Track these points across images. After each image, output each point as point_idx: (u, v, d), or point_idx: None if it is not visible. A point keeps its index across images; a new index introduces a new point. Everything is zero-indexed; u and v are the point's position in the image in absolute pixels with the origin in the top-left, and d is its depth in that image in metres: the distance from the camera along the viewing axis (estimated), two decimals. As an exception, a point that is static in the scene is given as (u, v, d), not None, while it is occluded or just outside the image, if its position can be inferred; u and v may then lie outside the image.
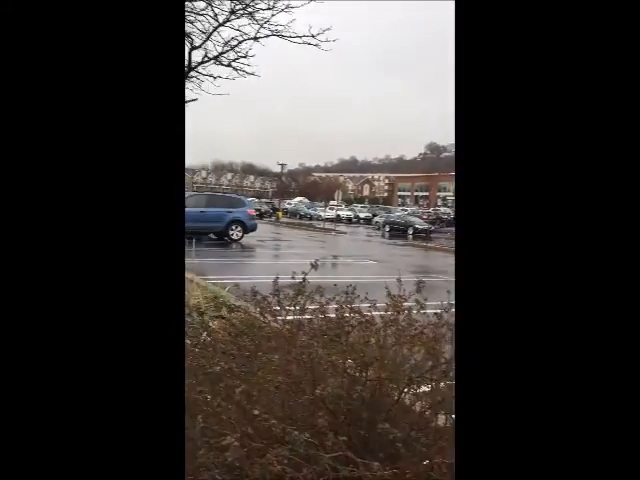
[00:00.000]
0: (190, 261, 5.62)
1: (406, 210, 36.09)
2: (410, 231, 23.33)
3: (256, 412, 1.20)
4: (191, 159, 78.94)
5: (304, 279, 1.77)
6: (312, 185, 68.67)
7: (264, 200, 44.76)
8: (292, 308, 1.77)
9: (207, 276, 4.94)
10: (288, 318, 1.71)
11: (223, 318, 2.94)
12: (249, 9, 6.56)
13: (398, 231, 23.93)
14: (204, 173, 79.34)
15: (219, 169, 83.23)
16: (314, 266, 1.75)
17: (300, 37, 6.78)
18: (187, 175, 75.63)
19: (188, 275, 4.56)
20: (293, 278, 1.92)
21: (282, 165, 42.02)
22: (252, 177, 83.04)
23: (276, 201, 41.22)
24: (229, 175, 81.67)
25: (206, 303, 3.85)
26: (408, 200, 62.00)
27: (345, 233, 24.17)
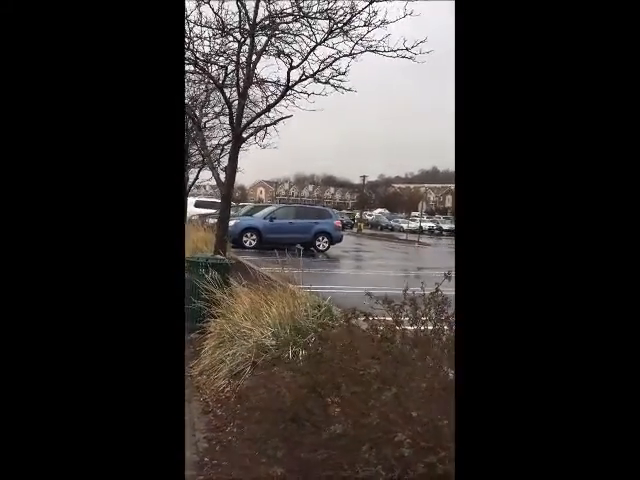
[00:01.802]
0: (289, 271, 5.80)
1: (493, 222, 34.52)
2: (498, 244, 22.34)
3: (414, 414, 1.27)
4: (276, 172, 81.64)
5: (437, 289, 1.82)
6: (392, 196, 68.12)
7: (344, 211, 45.11)
8: (425, 318, 1.83)
9: (300, 285, 5.14)
10: (426, 327, 1.76)
11: (332, 325, 3.05)
12: (345, 27, 6.76)
13: (485, 243, 23.01)
14: (287, 185, 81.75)
15: (301, 181, 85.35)
16: (448, 277, 1.79)
17: (395, 51, 6.86)
18: (270, 187, 78.35)
19: (290, 285, 4.74)
20: (422, 289, 1.98)
21: (363, 177, 42.18)
22: (332, 189, 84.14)
23: (357, 212, 41.39)
24: (310, 187, 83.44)
25: (313, 310, 4.01)
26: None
27: (429, 245, 23.69)
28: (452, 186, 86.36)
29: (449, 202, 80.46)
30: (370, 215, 43.38)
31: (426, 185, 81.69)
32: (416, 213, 35.28)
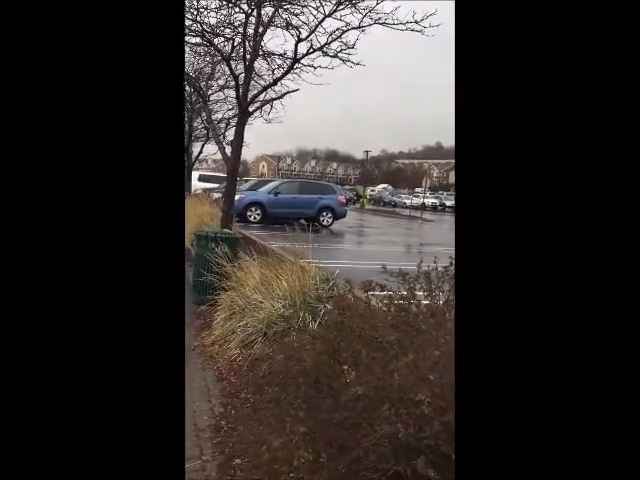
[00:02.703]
0: (296, 246, 5.88)
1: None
2: (501, 220, 22.33)
3: (432, 377, 1.37)
4: (278, 147, 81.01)
5: (451, 264, 1.89)
6: (395, 172, 67.80)
7: (347, 187, 45.02)
8: (438, 291, 1.92)
9: (309, 260, 5.25)
10: (437, 301, 1.85)
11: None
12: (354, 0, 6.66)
13: (488, 220, 23.01)
14: (289, 160, 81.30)
15: (303, 156, 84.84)
16: (461, 252, 1.87)
17: (404, 24, 6.77)
18: (272, 162, 77.92)
19: (297, 259, 4.83)
20: (435, 264, 2.07)
21: (367, 152, 41.89)
22: (335, 164, 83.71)
23: (360, 188, 41.31)
24: (312, 162, 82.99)
25: (322, 284, 4.12)
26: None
27: (432, 221, 23.74)
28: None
29: (452, 178, 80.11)
30: (373, 191, 43.29)
31: (429, 161, 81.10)
32: (419, 189, 35.25)
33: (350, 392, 1.50)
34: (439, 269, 2.01)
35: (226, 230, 5.76)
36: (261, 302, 4.09)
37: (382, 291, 1.94)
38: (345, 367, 1.80)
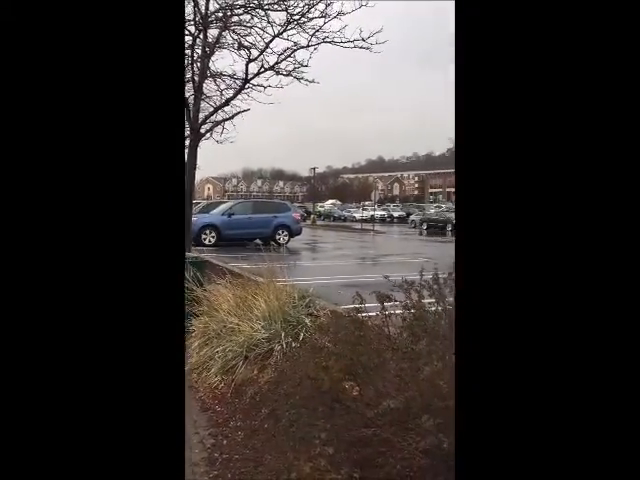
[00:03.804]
0: (261, 266, 5.78)
1: (441, 207, 35.57)
2: (449, 227, 23.14)
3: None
4: (222, 168, 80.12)
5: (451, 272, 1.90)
6: (342, 187, 68.88)
7: (296, 204, 45.14)
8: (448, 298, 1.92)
9: (279, 279, 5.18)
10: (446, 306, 1.85)
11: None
12: (303, 19, 6.77)
13: (436, 228, 23.79)
14: (235, 181, 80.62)
15: (249, 176, 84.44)
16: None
17: (352, 42, 6.94)
18: (218, 184, 76.96)
19: (270, 278, 4.73)
20: (436, 273, 2.07)
21: (313, 169, 42.33)
22: (281, 182, 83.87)
23: (309, 204, 41.52)
24: (259, 182, 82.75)
25: (299, 301, 4.06)
26: (440, 197, 61.60)
27: (384, 233, 24.20)
28: (398, 174, 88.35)
29: (396, 190, 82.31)
30: (322, 207, 43.64)
31: (374, 174, 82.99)
32: (368, 202, 35.98)
33: (381, 406, 1.46)
34: (440, 276, 2.02)
35: (190, 254, 5.58)
36: (238, 325, 3.96)
37: (388, 300, 1.92)
38: (354, 383, 1.76)
